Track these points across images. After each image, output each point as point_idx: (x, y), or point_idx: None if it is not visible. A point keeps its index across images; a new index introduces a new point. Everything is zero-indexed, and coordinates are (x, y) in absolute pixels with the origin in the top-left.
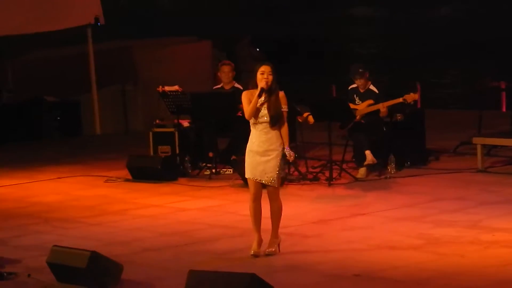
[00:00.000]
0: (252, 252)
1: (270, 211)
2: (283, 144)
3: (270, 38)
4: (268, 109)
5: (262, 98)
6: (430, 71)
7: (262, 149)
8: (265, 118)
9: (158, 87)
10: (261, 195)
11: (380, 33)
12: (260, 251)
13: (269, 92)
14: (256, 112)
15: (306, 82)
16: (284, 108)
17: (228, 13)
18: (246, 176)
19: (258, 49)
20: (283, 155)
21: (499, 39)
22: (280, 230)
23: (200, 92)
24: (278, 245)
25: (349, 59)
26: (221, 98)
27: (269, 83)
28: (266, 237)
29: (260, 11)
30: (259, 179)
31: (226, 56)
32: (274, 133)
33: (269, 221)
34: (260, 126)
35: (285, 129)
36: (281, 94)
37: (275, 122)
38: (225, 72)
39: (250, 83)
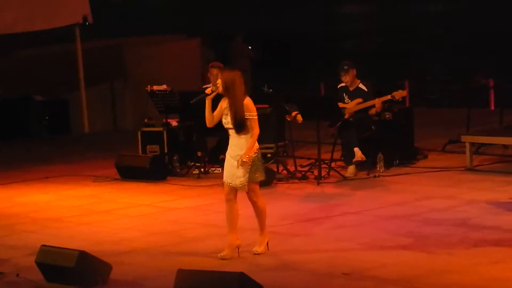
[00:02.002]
0: (219, 255)
1: (254, 211)
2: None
3: (261, 35)
4: (231, 116)
5: (227, 105)
6: (418, 68)
7: (234, 154)
8: (229, 125)
9: (147, 87)
10: (234, 197)
11: (367, 29)
12: (228, 255)
13: (232, 98)
14: (221, 118)
15: (295, 80)
16: (249, 115)
17: (217, 10)
18: (223, 178)
19: (250, 47)
20: (257, 159)
21: (487, 36)
22: (269, 229)
23: (189, 92)
24: (267, 244)
25: (338, 57)
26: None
27: (217, 89)
28: (255, 236)
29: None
30: (231, 182)
31: (215, 54)
32: (244, 139)
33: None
34: (231, 132)
35: (249, 136)
36: (246, 101)
37: (238, 129)
38: (214, 74)
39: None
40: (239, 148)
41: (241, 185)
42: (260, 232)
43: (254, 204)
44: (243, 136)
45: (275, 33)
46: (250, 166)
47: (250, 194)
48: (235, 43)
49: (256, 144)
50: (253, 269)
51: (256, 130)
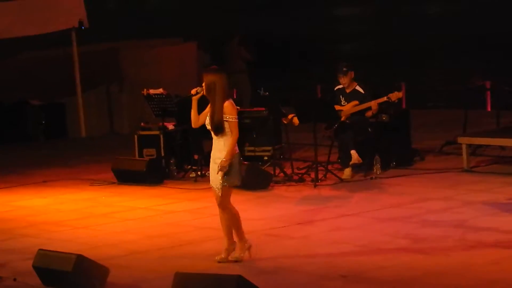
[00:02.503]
0: (216, 258)
1: (225, 220)
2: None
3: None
4: (210, 118)
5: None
6: (415, 69)
7: (214, 156)
8: (209, 126)
9: (143, 90)
10: None
11: (364, 31)
12: (226, 258)
13: (212, 100)
14: (205, 120)
15: (291, 82)
16: (228, 118)
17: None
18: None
19: (246, 49)
20: (234, 164)
21: (484, 37)
22: (267, 232)
23: (186, 97)
24: (249, 250)
25: (335, 59)
26: (206, 101)
27: (202, 90)
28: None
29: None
30: (211, 185)
31: (210, 58)
32: (223, 141)
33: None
34: (212, 134)
35: (229, 139)
36: (226, 103)
37: (216, 131)
38: None
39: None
40: (218, 150)
41: (217, 189)
42: (237, 240)
43: (224, 210)
44: (222, 138)
45: (273, 35)
46: (227, 171)
47: (222, 199)
48: (231, 45)
49: (236, 148)
50: (250, 271)
51: (235, 134)
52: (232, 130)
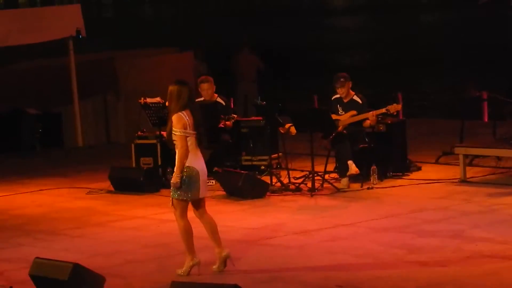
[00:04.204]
0: (213, 267)
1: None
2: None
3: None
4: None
5: None
6: (411, 79)
7: (172, 168)
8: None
9: (140, 99)
10: (198, 212)
11: (361, 41)
12: (185, 272)
13: (168, 112)
14: None
15: (289, 92)
16: (174, 131)
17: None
18: None
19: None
20: (187, 177)
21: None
22: (263, 241)
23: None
24: (197, 266)
25: (332, 69)
26: (203, 109)
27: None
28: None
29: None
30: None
31: (207, 67)
32: (176, 155)
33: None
34: None
35: (177, 154)
36: (174, 116)
37: (167, 143)
38: (205, 89)
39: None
40: (174, 163)
41: (171, 201)
42: (187, 253)
43: (176, 222)
44: (176, 151)
45: (269, 45)
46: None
47: (174, 210)
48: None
49: (184, 162)
50: (247, 281)
51: (180, 147)
52: (177, 143)
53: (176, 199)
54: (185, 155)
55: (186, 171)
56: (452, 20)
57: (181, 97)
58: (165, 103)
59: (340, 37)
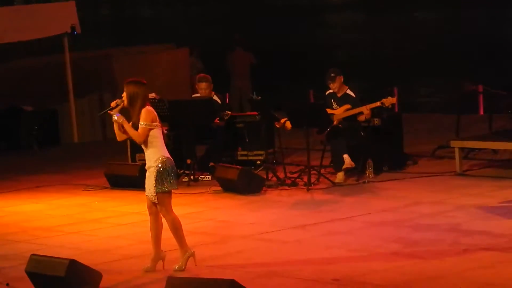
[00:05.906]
0: (143, 267)
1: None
2: (159, 159)
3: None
4: None
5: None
6: (407, 74)
7: (147, 165)
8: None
9: None
10: (154, 210)
11: (356, 37)
12: (152, 268)
13: (133, 111)
14: None
15: (284, 87)
16: (141, 123)
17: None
18: None
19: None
20: (162, 170)
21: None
22: (259, 236)
23: (178, 100)
24: (190, 258)
25: (327, 64)
26: (198, 105)
27: (122, 102)
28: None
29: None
30: (147, 195)
31: (203, 64)
32: (150, 150)
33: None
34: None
35: (151, 147)
36: (143, 110)
37: (136, 141)
38: (203, 88)
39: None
40: (148, 160)
41: (152, 198)
42: (180, 247)
43: (164, 217)
44: (147, 148)
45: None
46: (156, 177)
47: (160, 206)
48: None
49: (161, 154)
50: (243, 276)
51: (138, 134)
52: (140, 133)
53: (164, 192)
54: (139, 141)
55: (167, 162)
56: (451, 18)
57: (146, 96)
58: (161, 99)
59: (336, 33)
